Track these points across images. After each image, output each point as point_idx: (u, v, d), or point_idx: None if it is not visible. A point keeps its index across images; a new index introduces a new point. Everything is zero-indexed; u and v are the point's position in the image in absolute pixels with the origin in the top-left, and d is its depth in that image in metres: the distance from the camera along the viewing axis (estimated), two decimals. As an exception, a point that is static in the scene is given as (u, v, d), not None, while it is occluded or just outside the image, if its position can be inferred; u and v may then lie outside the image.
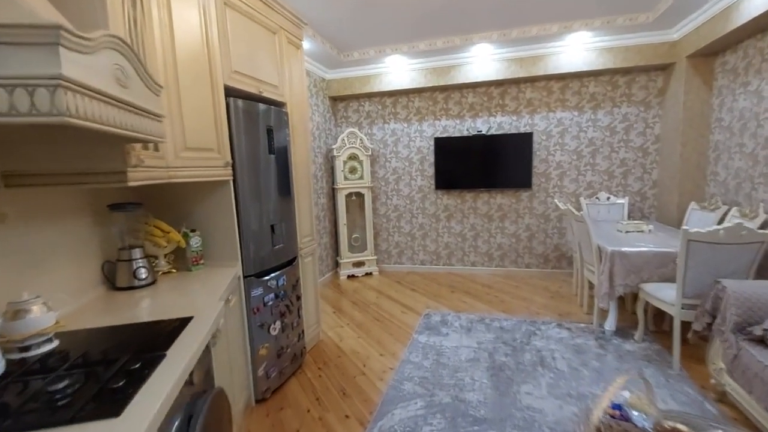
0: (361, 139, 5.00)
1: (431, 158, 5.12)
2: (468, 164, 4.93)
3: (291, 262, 2.73)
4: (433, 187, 5.16)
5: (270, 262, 2.48)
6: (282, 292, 2.58)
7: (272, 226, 2.50)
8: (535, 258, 4.95)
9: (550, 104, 4.67)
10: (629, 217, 4.50)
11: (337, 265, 5.28)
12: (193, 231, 2.21)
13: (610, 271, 2.98)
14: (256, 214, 2.36)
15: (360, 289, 4.68)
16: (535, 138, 4.75)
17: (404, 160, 5.25)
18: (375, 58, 4.58)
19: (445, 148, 4.99)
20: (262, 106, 2.40)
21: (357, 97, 5.22)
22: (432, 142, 5.09)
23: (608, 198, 4.54)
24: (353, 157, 5.02)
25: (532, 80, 4.64)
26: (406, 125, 5.17)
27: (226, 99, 2.14)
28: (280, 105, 2.68)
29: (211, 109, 2.06)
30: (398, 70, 4.82)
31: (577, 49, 4.27)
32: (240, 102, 2.21)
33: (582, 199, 4.59)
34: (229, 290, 2.05)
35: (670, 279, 2.88)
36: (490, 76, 4.54)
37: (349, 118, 5.36)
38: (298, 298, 2.82)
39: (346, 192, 5.02)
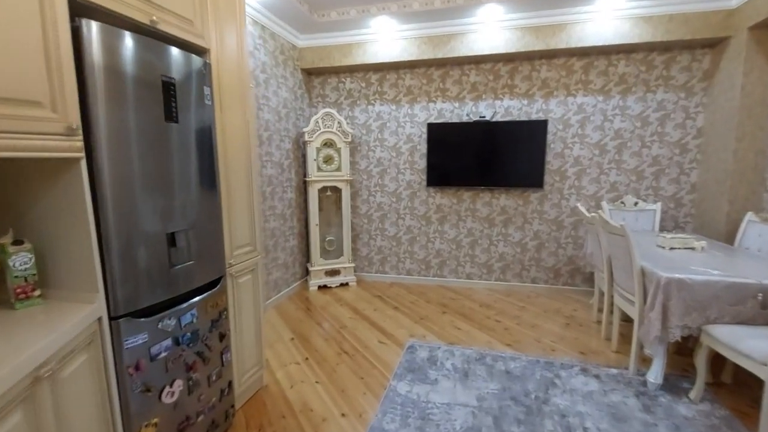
0: (339, 123, 4.11)
1: (423, 148, 4.25)
2: (467, 157, 4.08)
3: (212, 285, 1.85)
4: (425, 183, 4.30)
5: (164, 292, 1.59)
6: (188, 334, 1.70)
7: (171, 235, 1.61)
8: (544, 272, 4.14)
9: (570, 86, 3.83)
10: (661, 228, 3.70)
11: (306, 273, 4.41)
12: (17, 243, 1.32)
13: (664, 307, 2.16)
14: (136, 215, 1.47)
15: (331, 304, 3.81)
16: (550, 127, 3.91)
17: (391, 149, 4.37)
18: (358, 20, 3.68)
19: (439, 136, 4.13)
20: (153, 44, 1.50)
21: (336, 71, 4.32)
22: (424, 129, 4.22)
23: (636, 203, 3.73)
24: (329, 144, 4.13)
25: (549, 56, 3.79)
26: (394, 108, 4.30)
27: (73, 20, 1.24)
28: (195, 50, 1.79)
29: (37, 33, 1.16)
30: (386, 38, 3.93)
31: (607, 17, 3.42)
32: (102, 29, 1.31)
33: (604, 203, 3.77)
34: (73, 346, 1.19)
35: (748, 321, 2.07)
36: (498, 48, 3.68)
37: (327, 97, 4.46)
38: (223, 336, 1.94)
39: (319, 186, 4.14)
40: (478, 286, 4.30)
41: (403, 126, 4.30)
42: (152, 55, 1.49)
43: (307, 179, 4.09)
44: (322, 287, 4.29)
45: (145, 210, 1.49)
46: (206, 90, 1.78)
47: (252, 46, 3.34)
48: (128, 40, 1.39)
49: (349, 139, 4.17)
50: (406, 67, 4.18)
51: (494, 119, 4.03)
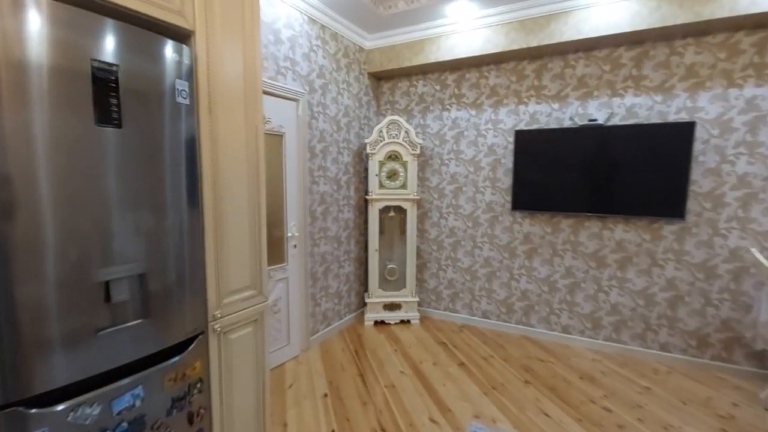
0: (406, 132, 3.50)
1: (509, 162, 3.40)
2: (568, 173, 3.11)
3: (178, 349, 1.36)
4: (509, 205, 3.43)
5: (82, 368, 1.12)
6: (124, 424, 1.21)
7: (106, 285, 1.15)
8: (682, 337, 2.92)
9: (734, 73, 2.64)
10: None
11: (363, 304, 3.84)
12: None
13: None
14: (38, 256, 1.02)
15: (384, 347, 3.17)
16: (699, 132, 2.75)
17: (468, 163, 3.60)
18: (430, 8, 3.05)
19: (531, 146, 3.24)
20: (77, 17, 1.06)
21: (407, 73, 3.74)
22: (511, 138, 3.37)
23: None
24: (394, 157, 3.54)
25: (698, 31, 2.67)
26: (474, 113, 3.53)
27: None
28: (172, 33, 1.33)
29: None
30: (465, 28, 3.22)
31: (810, -37, 2.23)
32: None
33: (794, 246, 2.48)
34: None
35: None
36: (621, 26, 2.70)
37: (396, 103, 3.89)
38: (194, 418, 1.43)
39: (381, 205, 3.56)
40: (577, 344, 3.24)
41: (485, 135, 3.50)
42: (75, 33, 1.05)
43: (368, 197, 3.54)
44: (379, 323, 3.68)
45: (53, 248, 1.04)
46: (180, 84, 1.31)
47: (307, 47, 2.93)
48: (32, 12, 0.97)
49: (418, 151, 3.52)
50: (490, 63, 3.40)
51: (609, 123, 3.00)
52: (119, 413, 1.18)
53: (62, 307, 1.06)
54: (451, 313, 3.80)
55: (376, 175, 3.53)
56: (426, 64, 3.47)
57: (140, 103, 1.20)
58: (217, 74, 1.47)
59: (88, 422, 1.11)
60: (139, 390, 1.23)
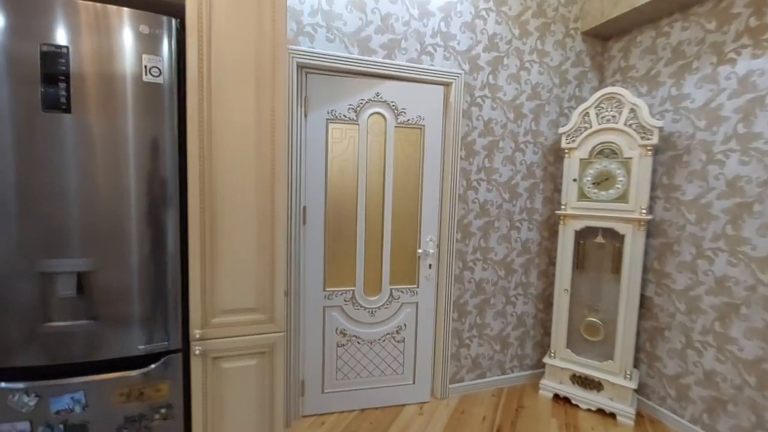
0: (632, 111, 2.16)
1: None
2: None
3: (139, 363, 1.20)
4: None
5: (22, 356, 1.11)
6: (60, 426, 1.14)
7: (51, 277, 1.11)
8: None
9: None
10: None
11: (541, 364, 2.69)
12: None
13: None
14: (-9, 243, 1.08)
15: (548, 445, 2.05)
16: None
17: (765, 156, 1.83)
18: None
19: None
20: None
21: (651, 15, 2.31)
22: None
23: None
24: (607, 152, 2.27)
25: None
26: (801, 57, 1.75)
27: None
28: (141, 4, 1.18)
29: None
30: None
31: None
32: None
33: None
34: None
35: None
36: None
37: (632, 69, 2.49)
38: (156, 446, 1.24)
39: (579, 225, 2.37)
40: None
41: (829, 97, 1.66)
42: (19, 14, 1.03)
43: (560, 212, 2.43)
44: (563, 399, 2.47)
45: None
46: (150, 60, 1.14)
47: (471, 14, 2.28)
48: (-14, 2, 1.01)
49: (654, 141, 2.10)
50: None
51: None
52: (57, 413, 1.13)
53: (6, 291, 1.08)
54: (701, 430, 2.07)
55: (575, 180, 2.36)
56: (685, -9, 2.00)
57: (98, 85, 1.09)
58: (218, 49, 1.22)
59: (24, 411, 1.11)
60: (80, 395, 1.14)
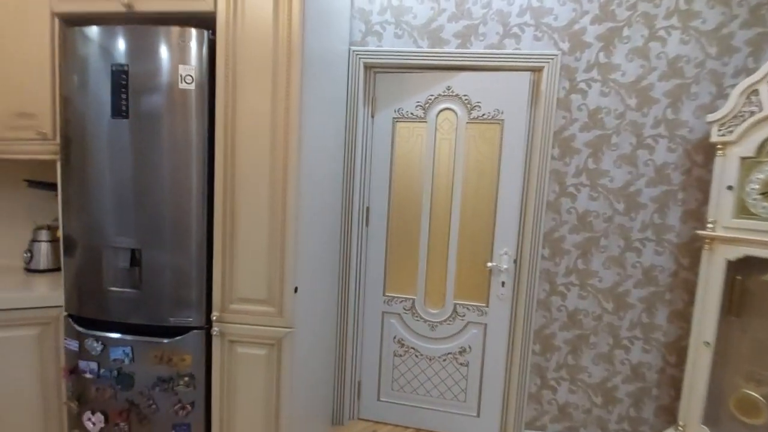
0: None
1: None
2: None
3: (171, 332, 1.39)
4: None
5: (94, 310, 1.41)
6: (115, 372, 1.40)
7: (114, 251, 1.38)
8: None
9: None
10: None
11: (679, 437, 1.96)
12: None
13: None
14: (80, 218, 1.41)
15: None
16: None
17: None
18: None
19: None
20: (102, 32, 1.31)
21: None
22: None
23: None
24: (796, 146, 1.50)
25: None
26: None
27: (66, 31, 1.38)
28: (178, 20, 1.34)
29: (40, 59, 1.44)
30: None
31: None
32: (73, 32, 1.34)
33: None
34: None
35: None
36: None
37: None
38: (182, 409, 1.40)
39: (735, 253, 1.64)
40: None
41: None
42: (103, 44, 1.32)
43: (705, 233, 1.73)
44: (699, 498, 1.73)
45: (85, 213, 1.39)
46: (184, 71, 1.30)
47: (576, -20, 1.86)
48: (79, 36, 1.33)
49: None
50: None
51: None
52: (114, 360, 1.41)
53: (88, 258, 1.40)
54: None
55: (730, 187, 1.64)
56: None
57: (142, 94, 1.32)
58: (242, 50, 1.31)
59: (93, 354, 1.42)
60: (128, 350, 1.40)
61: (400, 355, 2.13)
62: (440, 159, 2.02)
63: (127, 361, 1.41)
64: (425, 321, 2.09)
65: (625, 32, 1.85)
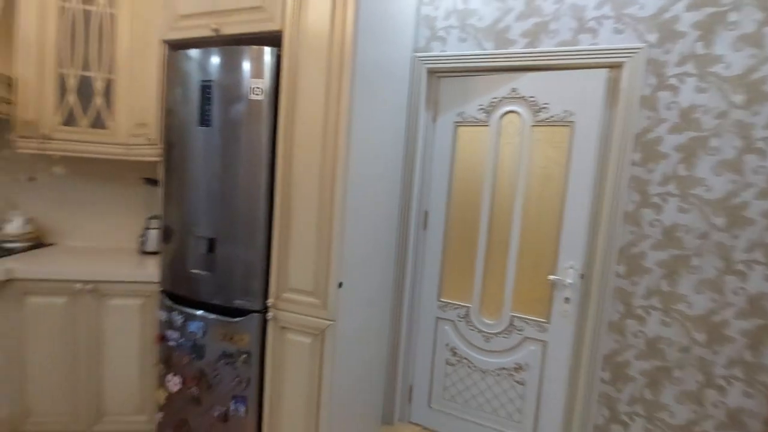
0: None
1: None
2: None
3: (235, 313, 1.57)
4: None
5: (180, 288, 1.67)
6: (191, 342, 1.63)
7: (196, 239, 1.62)
8: None
9: None
10: None
11: None
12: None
13: None
14: (174, 210, 1.68)
15: None
16: None
17: None
18: None
19: None
20: (192, 53, 1.56)
21: None
22: None
23: None
24: None
25: None
26: None
27: (170, 54, 1.68)
28: (254, 40, 1.51)
29: (153, 78, 1.77)
30: None
31: None
32: (176, 55, 1.63)
33: None
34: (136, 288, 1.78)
35: None
36: None
37: None
38: (240, 383, 1.57)
39: None
40: None
41: None
42: (196, 61, 1.56)
43: None
44: None
45: (178, 206, 1.65)
46: (254, 83, 1.48)
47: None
48: (183, 57, 1.59)
49: None
50: None
51: None
52: (191, 332, 1.64)
53: (178, 242, 1.66)
54: None
55: None
56: None
57: (222, 105, 1.53)
58: (303, 61, 1.45)
59: (176, 325, 1.67)
60: (202, 324, 1.62)
61: (453, 364, 2.09)
62: (502, 163, 1.94)
63: (200, 334, 1.63)
64: (480, 331, 2.01)
65: (732, 17, 1.58)
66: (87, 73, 1.89)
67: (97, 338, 1.79)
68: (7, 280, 1.67)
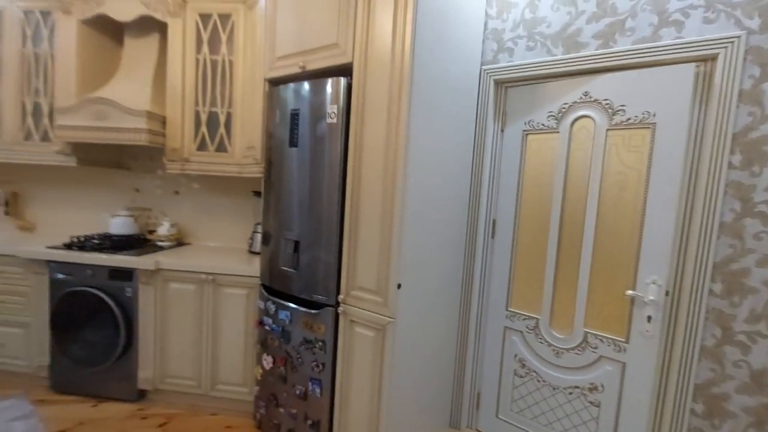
0: None
1: None
2: None
3: (314, 306, 1.84)
4: None
5: (274, 282, 1.99)
6: (280, 328, 1.94)
7: (286, 240, 1.93)
8: None
9: None
10: None
11: None
12: (279, 224, 2.38)
13: None
14: (271, 215, 2.03)
15: None
16: None
17: None
18: None
19: None
20: (285, 87, 1.88)
21: None
22: None
23: None
24: None
25: None
26: None
27: (270, 89, 2.06)
28: (332, 72, 1.76)
29: (259, 110, 2.17)
30: None
31: None
32: (274, 89, 2.00)
33: None
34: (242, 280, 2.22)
35: None
36: None
37: None
38: (317, 366, 1.82)
39: None
40: None
41: None
42: (287, 94, 1.89)
43: None
44: None
45: (274, 214, 2.00)
46: (330, 109, 1.74)
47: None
48: (278, 91, 1.94)
49: None
50: None
51: None
52: (281, 319, 1.96)
53: (273, 243, 2.01)
54: None
55: None
56: None
57: (306, 128, 1.82)
58: (369, 87, 1.66)
59: (270, 313, 2.01)
60: (289, 314, 1.92)
61: (521, 376, 2.05)
62: (573, 171, 1.87)
63: (288, 322, 1.94)
64: (549, 345, 1.94)
65: None
66: (214, 109, 2.41)
67: (215, 319, 2.23)
68: (158, 270, 2.22)
